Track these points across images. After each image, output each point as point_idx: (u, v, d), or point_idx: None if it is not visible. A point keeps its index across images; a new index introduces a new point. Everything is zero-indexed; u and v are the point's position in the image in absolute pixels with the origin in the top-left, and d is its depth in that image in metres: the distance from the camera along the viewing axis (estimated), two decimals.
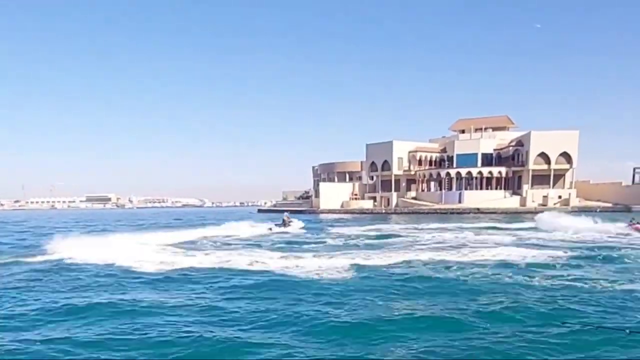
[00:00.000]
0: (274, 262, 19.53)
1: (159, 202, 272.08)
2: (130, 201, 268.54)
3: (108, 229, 47.80)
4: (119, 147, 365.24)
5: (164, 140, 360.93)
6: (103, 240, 26.97)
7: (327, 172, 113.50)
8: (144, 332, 9.85)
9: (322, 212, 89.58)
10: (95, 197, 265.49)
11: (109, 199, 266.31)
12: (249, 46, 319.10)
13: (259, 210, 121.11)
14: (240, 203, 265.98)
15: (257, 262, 19.48)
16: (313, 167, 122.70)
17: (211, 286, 14.75)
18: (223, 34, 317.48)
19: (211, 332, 9.78)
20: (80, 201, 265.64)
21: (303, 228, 41.35)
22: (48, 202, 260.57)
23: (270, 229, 39.95)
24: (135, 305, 12.11)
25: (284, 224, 41.53)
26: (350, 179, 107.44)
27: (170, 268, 18.16)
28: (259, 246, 26.58)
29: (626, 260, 19.31)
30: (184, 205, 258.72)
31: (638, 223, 32.41)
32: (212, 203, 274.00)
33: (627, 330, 7.69)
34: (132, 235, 30.19)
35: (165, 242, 28.04)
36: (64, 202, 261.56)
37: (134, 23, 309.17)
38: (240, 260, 19.99)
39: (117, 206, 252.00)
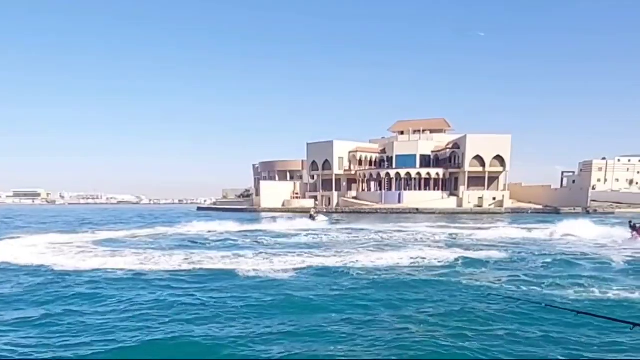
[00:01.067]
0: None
1: (93, 199, 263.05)
2: (62, 197, 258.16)
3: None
4: (53, 141, 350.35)
5: (99, 135, 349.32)
6: None
7: (268, 171, 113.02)
8: None
9: (263, 210, 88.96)
10: (23, 193, 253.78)
11: (39, 195, 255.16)
12: (187, 40, 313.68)
13: (199, 208, 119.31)
14: (179, 200, 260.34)
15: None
16: (254, 165, 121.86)
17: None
18: (160, 27, 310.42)
19: None
20: (7, 196, 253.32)
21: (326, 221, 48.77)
22: None
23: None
24: None
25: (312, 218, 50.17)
26: (292, 178, 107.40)
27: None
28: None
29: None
30: (119, 202, 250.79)
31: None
32: (150, 200, 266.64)
33: (544, 304, 8.92)
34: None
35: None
36: None
37: (60, 15, 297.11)
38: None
39: (47, 202, 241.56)
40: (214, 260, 19.46)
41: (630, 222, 27.68)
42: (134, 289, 13.64)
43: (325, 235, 32.75)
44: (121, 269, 17.16)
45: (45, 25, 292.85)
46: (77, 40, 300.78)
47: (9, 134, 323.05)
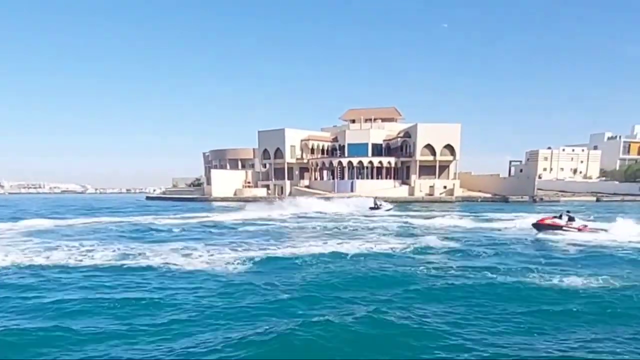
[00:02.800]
0: None
1: (35, 188, 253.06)
2: (1, 186, 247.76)
3: None
4: None
5: (43, 121, 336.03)
6: None
7: (218, 159, 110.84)
8: None
9: (215, 199, 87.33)
10: None
11: None
12: (136, 25, 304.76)
13: (147, 198, 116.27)
14: (127, 190, 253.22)
15: None
16: (204, 154, 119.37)
17: None
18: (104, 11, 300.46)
19: None
20: None
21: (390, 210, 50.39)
22: None
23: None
24: None
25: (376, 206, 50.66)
26: (243, 167, 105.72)
27: None
28: None
29: None
30: (63, 192, 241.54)
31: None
32: (95, 189, 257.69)
33: None
34: None
35: None
36: None
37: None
38: None
39: None
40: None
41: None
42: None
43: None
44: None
45: None
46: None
47: None
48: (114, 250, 19.56)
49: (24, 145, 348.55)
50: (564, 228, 25.20)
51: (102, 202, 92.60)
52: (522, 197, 77.23)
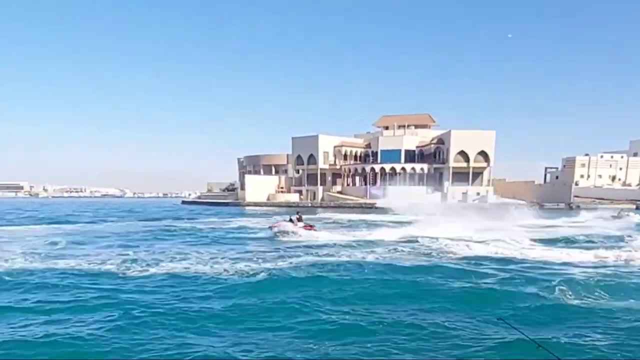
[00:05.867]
0: None
1: (77, 192, 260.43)
2: (45, 190, 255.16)
3: None
4: (36, 133, 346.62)
5: (83, 128, 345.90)
6: None
7: (252, 165, 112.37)
8: None
9: (248, 204, 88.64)
10: (6, 185, 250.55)
11: (21, 188, 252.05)
12: (176, 36, 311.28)
13: (183, 202, 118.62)
14: (164, 194, 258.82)
15: None
16: (238, 159, 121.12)
17: None
18: (146, 25, 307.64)
19: None
20: None
21: None
22: None
23: None
24: None
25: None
26: (277, 172, 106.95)
27: None
28: None
29: None
30: (103, 195, 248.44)
31: None
32: (134, 193, 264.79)
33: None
34: None
35: None
36: None
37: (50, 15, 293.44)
38: None
39: (30, 195, 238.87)
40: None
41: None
42: None
43: None
44: None
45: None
46: (70, 32, 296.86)
47: None
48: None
49: (66, 151, 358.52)
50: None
51: (152, 206, 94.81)
52: (557, 205, 76.05)
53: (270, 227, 29.58)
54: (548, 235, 29.12)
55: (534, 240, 26.08)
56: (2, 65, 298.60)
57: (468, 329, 9.75)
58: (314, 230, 29.35)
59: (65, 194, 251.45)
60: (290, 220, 29.26)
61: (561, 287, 12.84)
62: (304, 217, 31.19)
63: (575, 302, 11.74)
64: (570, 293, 12.41)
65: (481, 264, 17.49)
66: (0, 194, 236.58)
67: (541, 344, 5.00)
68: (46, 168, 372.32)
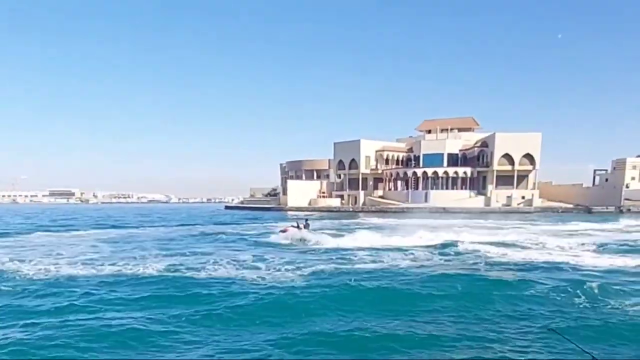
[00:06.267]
0: None
1: (125, 198, 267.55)
2: (95, 196, 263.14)
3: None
4: (85, 141, 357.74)
5: (130, 134, 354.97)
6: None
7: (294, 170, 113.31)
8: None
9: (290, 209, 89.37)
10: (59, 192, 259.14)
11: (73, 194, 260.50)
12: (219, 44, 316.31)
13: (226, 207, 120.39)
14: (207, 199, 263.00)
15: None
16: (281, 165, 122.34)
17: None
18: (192, 31, 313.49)
19: None
20: (43, 195, 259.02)
21: None
22: (9, 196, 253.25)
23: None
24: None
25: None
26: (318, 177, 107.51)
27: None
28: None
29: None
30: (149, 201, 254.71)
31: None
32: (179, 199, 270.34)
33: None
34: None
35: None
36: (26, 196, 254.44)
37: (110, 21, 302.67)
38: None
39: (81, 201, 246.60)
40: None
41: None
42: None
43: None
44: None
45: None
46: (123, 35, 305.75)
47: (46, 135, 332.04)
48: None
49: (114, 158, 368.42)
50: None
51: (197, 211, 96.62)
52: (607, 208, 73.90)
53: (283, 231, 29.98)
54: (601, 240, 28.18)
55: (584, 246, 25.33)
56: (66, 79, 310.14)
57: (516, 340, 9.44)
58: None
59: (114, 200, 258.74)
60: (297, 227, 29.89)
61: (618, 298, 12.33)
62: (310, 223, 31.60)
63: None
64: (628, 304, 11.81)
65: (528, 271, 17.06)
66: (53, 200, 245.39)
67: (596, 357, 4.62)
68: (96, 175, 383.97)
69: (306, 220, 31.40)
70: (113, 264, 18.67)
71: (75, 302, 12.29)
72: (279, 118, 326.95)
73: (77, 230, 39.66)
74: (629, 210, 73.77)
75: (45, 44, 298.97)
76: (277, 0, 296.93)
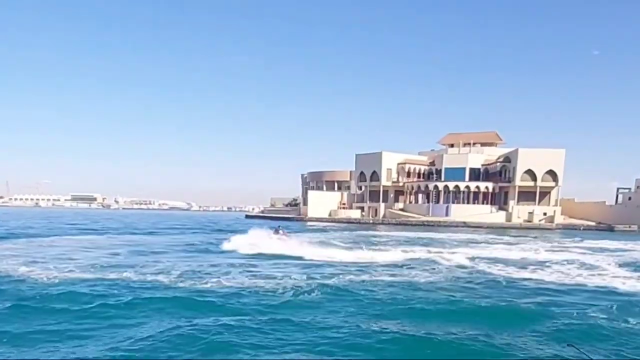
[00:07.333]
0: None
1: (146, 204, 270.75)
2: (116, 202, 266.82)
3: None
4: (108, 147, 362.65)
5: (152, 141, 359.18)
6: None
7: (315, 181, 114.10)
8: None
9: (310, 220, 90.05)
10: (81, 197, 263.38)
11: (95, 199, 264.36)
12: (238, 50, 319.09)
13: (247, 216, 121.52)
14: (228, 208, 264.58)
15: None
16: (302, 175, 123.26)
17: None
18: (214, 38, 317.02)
19: None
20: (65, 200, 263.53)
21: None
22: (32, 199, 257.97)
23: None
24: None
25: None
26: (339, 188, 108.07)
27: None
28: None
29: None
30: (171, 208, 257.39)
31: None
32: (199, 207, 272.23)
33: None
34: None
35: None
36: (48, 200, 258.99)
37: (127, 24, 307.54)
38: None
39: (103, 206, 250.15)
40: None
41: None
42: None
43: None
44: None
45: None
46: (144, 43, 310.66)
47: (69, 139, 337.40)
48: None
49: (137, 165, 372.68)
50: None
51: (215, 219, 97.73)
52: (629, 227, 73.22)
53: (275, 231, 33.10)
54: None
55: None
56: (91, 82, 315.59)
57: (535, 351, 9.73)
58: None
59: (135, 206, 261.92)
60: (277, 232, 32.85)
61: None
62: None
63: None
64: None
65: (545, 289, 17.26)
66: (75, 205, 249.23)
67: None
68: (118, 181, 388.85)
69: (278, 226, 34.91)
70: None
71: None
72: (302, 129, 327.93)
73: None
74: None
75: (70, 46, 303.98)
76: (303, 3, 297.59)
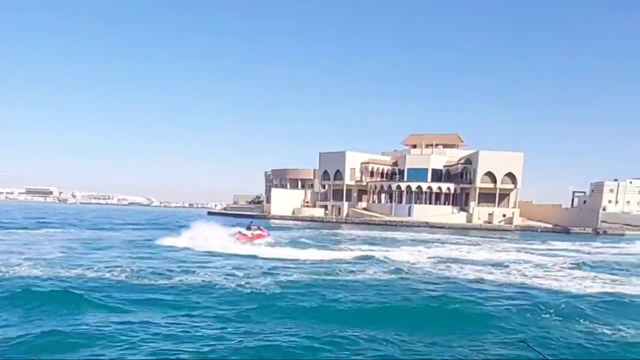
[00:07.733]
0: None
1: (104, 199, 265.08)
2: (74, 196, 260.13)
3: None
4: (65, 140, 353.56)
5: (111, 136, 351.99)
6: None
7: (279, 178, 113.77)
8: None
9: (273, 217, 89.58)
10: (36, 190, 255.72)
11: (51, 193, 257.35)
12: (205, 47, 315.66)
13: (209, 213, 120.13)
14: (190, 204, 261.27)
15: None
16: (265, 173, 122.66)
17: None
18: (181, 33, 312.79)
19: None
20: (20, 193, 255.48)
21: None
22: None
23: None
24: None
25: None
26: (303, 186, 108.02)
27: None
28: None
29: None
30: (130, 204, 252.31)
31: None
32: (160, 203, 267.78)
33: None
34: None
35: None
36: (1, 192, 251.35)
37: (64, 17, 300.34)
38: None
39: (59, 200, 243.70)
40: None
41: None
42: None
43: None
44: None
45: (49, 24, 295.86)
46: (86, 39, 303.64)
47: (22, 133, 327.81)
48: None
49: (95, 161, 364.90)
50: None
51: (176, 216, 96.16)
52: (584, 229, 75.47)
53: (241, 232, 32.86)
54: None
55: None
56: (51, 74, 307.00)
57: (490, 349, 10.03)
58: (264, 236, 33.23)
59: (93, 201, 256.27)
60: (249, 228, 33.39)
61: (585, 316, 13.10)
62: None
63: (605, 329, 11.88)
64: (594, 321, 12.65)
65: (498, 289, 17.71)
66: (30, 198, 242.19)
67: None
68: (74, 175, 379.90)
69: (251, 222, 36.50)
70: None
71: None
72: (265, 126, 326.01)
73: None
74: (605, 232, 75.47)
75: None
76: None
